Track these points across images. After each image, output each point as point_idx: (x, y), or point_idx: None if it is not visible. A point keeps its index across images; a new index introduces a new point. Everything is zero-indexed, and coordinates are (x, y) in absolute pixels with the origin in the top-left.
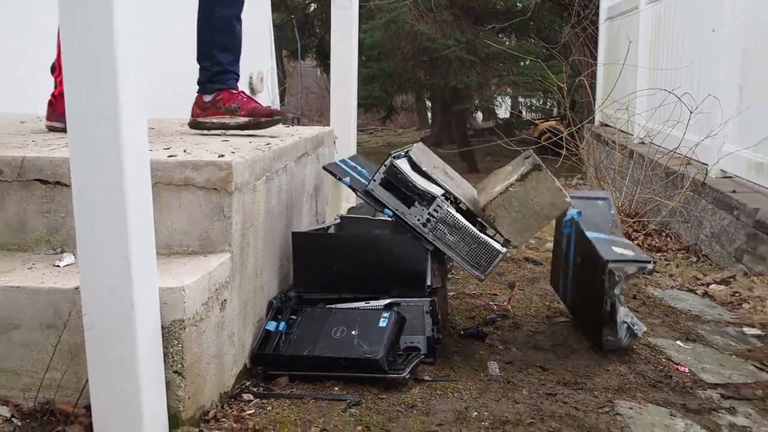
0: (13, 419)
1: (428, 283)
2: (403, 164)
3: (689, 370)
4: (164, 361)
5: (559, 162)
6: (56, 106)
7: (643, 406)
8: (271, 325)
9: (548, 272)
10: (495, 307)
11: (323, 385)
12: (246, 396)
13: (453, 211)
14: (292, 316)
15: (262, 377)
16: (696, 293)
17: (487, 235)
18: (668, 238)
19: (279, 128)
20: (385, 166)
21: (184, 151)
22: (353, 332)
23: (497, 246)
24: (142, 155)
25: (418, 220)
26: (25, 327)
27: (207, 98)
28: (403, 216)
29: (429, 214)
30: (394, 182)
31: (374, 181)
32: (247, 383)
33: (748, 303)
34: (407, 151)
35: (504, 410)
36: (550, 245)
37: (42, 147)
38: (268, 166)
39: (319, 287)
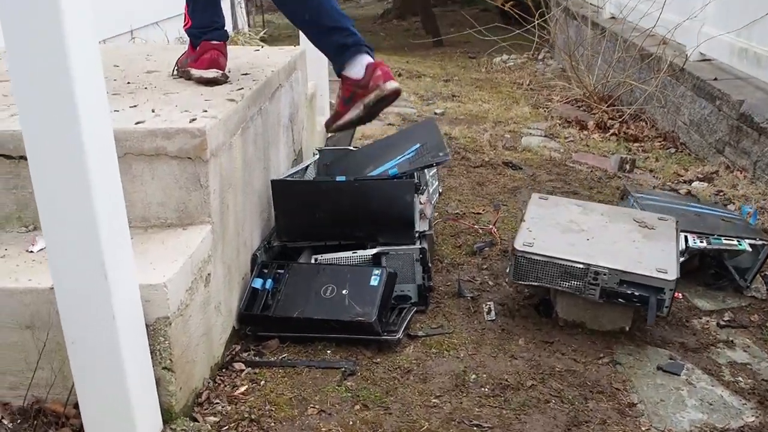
0: (2, 421)
1: (417, 228)
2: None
3: (682, 295)
4: (152, 359)
5: (523, 30)
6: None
7: (642, 350)
8: (257, 283)
9: (529, 178)
10: (480, 230)
11: (315, 347)
12: (237, 365)
13: None
14: (279, 271)
15: (252, 339)
16: (679, 193)
17: None
18: (644, 124)
19: (248, 52)
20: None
21: (153, 111)
22: (344, 291)
23: None
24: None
25: None
26: (4, 327)
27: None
28: None
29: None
30: None
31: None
32: (237, 347)
33: (734, 204)
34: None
35: (502, 370)
36: (526, 140)
37: (2, 113)
38: (243, 116)
39: (302, 235)
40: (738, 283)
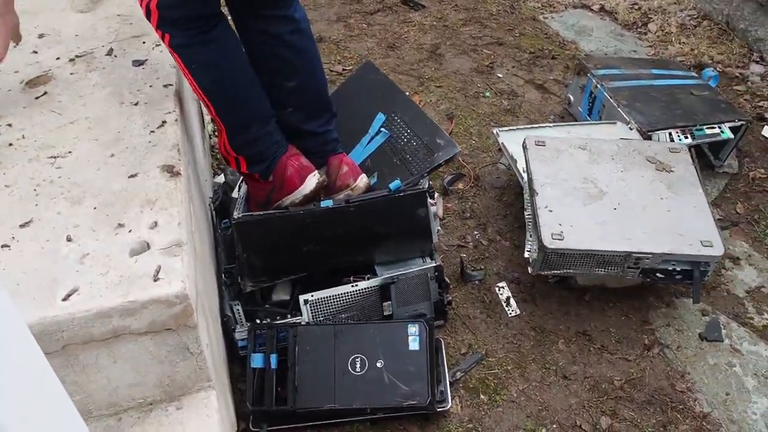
0: None
1: (435, 239)
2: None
3: None
4: None
5: None
6: None
7: (674, 310)
8: (258, 361)
9: (440, 24)
10: None
11: None
12: None
13: None
14: (281, 334)
15: None
16: (592, 9)
17: None
18: None
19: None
20: None
21: (68, 239)
22: (378, 364)
23: None
24: None
25: None
26: None
27: None
28: None
29: None
30: None
31: None
32: None
33: (654, 22)
34: None
35: (566, 407)
36: None
37: None
38: (188, 185)
39: (285, 272)
40: (712, 162)
